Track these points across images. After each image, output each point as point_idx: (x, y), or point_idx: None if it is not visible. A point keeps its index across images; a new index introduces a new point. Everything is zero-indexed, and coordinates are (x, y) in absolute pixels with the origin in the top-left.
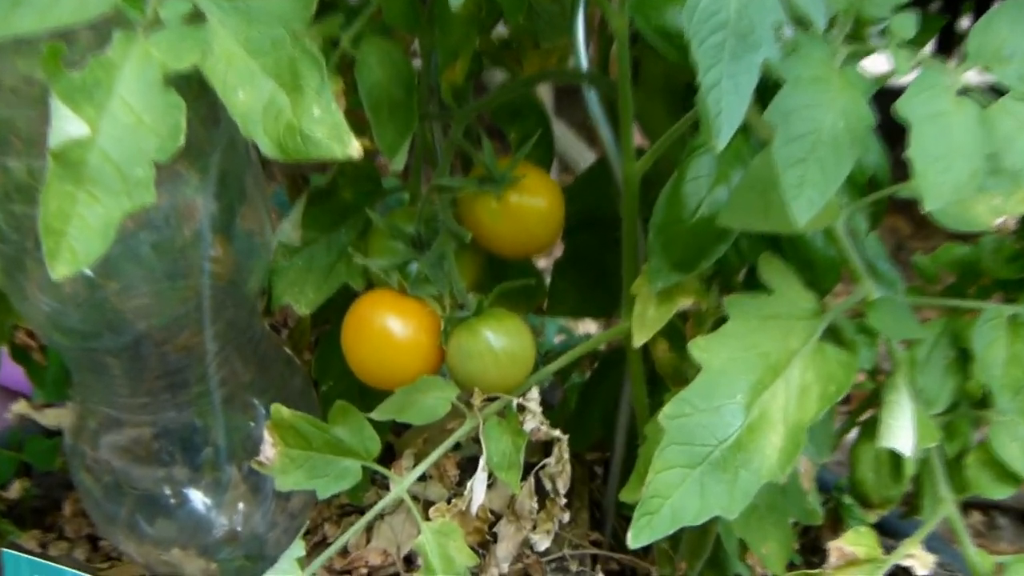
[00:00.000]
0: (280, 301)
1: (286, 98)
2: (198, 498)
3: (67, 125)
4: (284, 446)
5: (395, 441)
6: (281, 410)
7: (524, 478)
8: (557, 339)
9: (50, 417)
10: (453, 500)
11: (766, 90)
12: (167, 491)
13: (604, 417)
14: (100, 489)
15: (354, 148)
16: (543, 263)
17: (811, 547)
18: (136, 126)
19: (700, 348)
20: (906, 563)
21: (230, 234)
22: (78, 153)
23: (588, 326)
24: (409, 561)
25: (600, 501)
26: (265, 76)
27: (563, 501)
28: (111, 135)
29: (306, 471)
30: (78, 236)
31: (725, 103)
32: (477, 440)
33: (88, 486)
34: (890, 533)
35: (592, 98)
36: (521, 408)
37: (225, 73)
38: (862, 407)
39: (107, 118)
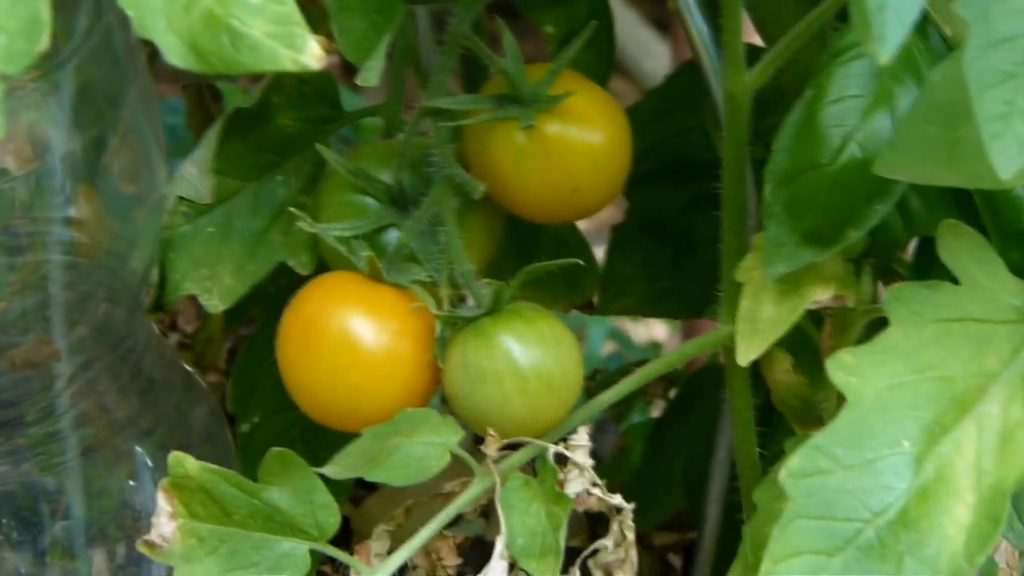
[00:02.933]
0: (179, 291)
1: None
2: None
3: None
4: (189, 518)
5: (354, 513)
6: (185, 462)
7: (564, 571)
8: (606, 349)
9: None
10: None
11: None
12: None
13: (686, 477)
14: None
15: (312, 53)
16: (589, 228)
17: None
18: None
19: (845, 368)
20: None
21: (98, 184)
22: None
23: (653, 328)
24: None
25: None
26: None
27: None
28: None
29: (223, 558)
30: None
31: None
32: (489, 512)
33: None
34: None
35: None
36: (562, 460)
37: None
38: None
39: None
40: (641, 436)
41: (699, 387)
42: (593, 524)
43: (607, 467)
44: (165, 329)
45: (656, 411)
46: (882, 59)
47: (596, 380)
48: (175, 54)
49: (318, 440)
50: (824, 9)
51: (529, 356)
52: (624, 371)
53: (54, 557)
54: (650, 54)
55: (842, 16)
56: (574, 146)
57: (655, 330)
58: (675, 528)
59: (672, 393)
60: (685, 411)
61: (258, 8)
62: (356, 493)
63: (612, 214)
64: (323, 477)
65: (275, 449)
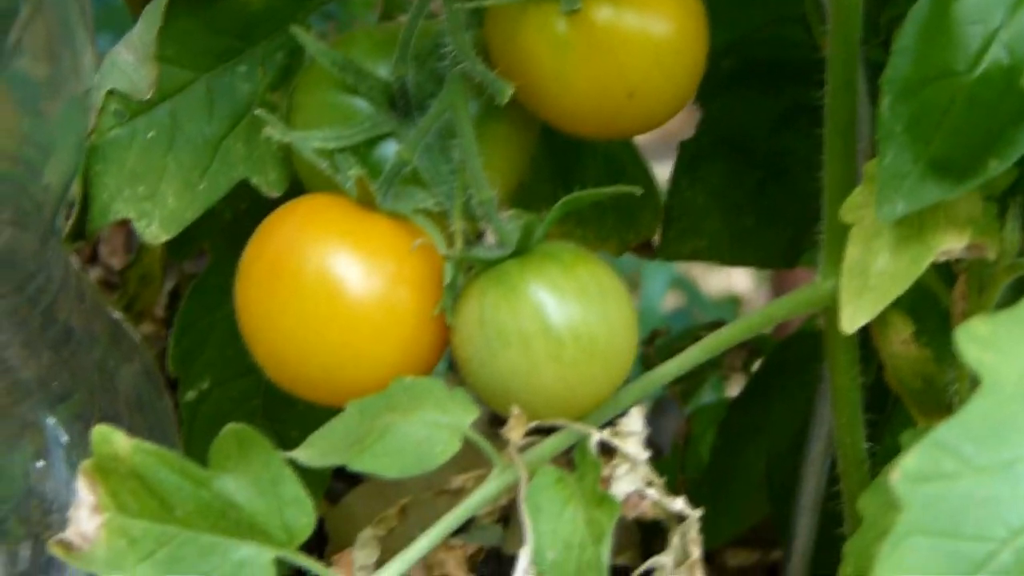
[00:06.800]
0: (107, 214)
1: None
2: None
3: None
4: (117, 512)
5: (330, 511)
6: (112, 439)
7: None
8: (669, 303)
9: None
10: None
11: None
12: None
13: (770, 477)
14: None
15: None
16: (650, 143)
17: None
18: None
19: (979, 342)
20: None
21: (1, 70)
22: None
23: (732, 277)
24: None
25: None
26: None
27: None
28: None
29: (161, 564)
30: None
31: None
32: (510, 517)
33: None
34: None
35: None
36: (607, 450)
37: None
38: None
39: None
40: (713, 421)
41: (790, 359)
42: (647, 536)
43: (668, 461)
44: (84, 262)
45: (733, 388)
46: None
47: (655, 345)
48: None
49: (287, 415)
50: None
51: (566, 312)
52: (692, 335)
53: None
54: None
55: None
56: (632, 37)
57: (734, 279)
58: (754, 544)
59: (755, 366)
60: (771, 390)
61: None
62: (334, 486)
63: (680, 126)
64: (293, 463)
65: (231, 425)
